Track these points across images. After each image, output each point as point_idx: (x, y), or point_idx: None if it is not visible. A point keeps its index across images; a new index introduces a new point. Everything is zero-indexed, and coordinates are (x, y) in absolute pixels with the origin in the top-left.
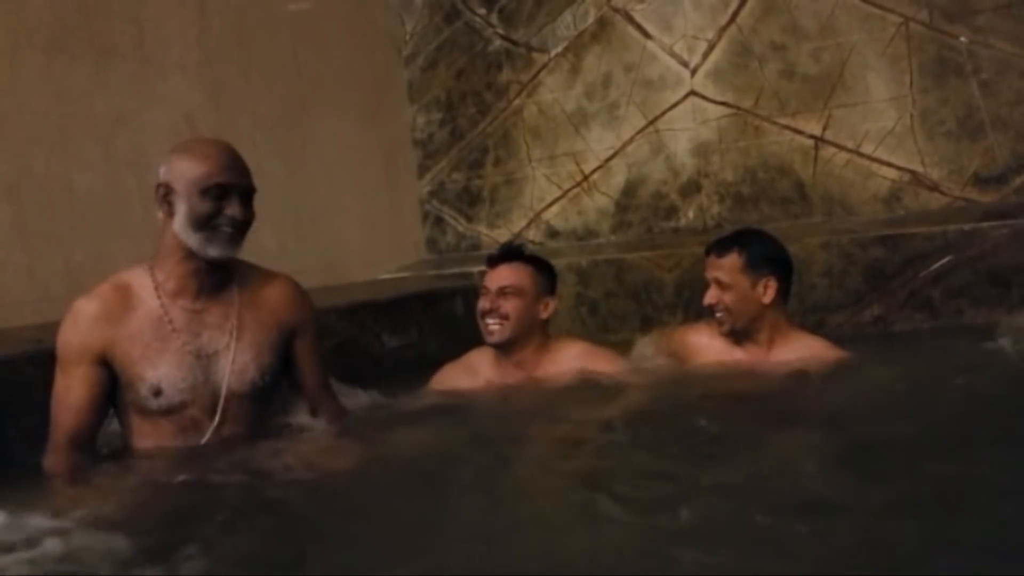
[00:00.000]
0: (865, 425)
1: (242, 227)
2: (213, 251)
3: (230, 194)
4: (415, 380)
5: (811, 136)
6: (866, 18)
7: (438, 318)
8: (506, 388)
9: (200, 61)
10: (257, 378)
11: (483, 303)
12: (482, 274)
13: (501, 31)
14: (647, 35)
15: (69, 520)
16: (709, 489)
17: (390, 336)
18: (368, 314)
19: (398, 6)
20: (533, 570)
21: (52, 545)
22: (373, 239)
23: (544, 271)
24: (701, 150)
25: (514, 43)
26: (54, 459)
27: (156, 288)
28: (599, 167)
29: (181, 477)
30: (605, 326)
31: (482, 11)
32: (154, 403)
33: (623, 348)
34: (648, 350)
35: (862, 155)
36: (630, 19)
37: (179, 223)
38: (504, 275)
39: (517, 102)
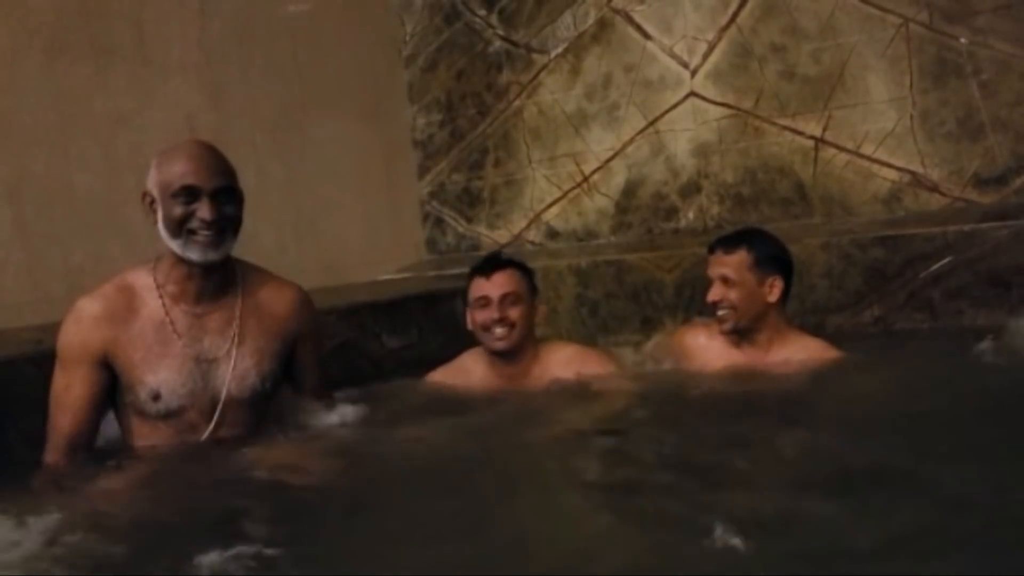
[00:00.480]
0: (865, 426)
1: (220, 228)
2: (193, 255)
3: (200, 196)
4: (415, 381)
5: (811, 137)
6: (866, 19)
7: (438, 319)
8: (501, 391)
9: (200, 62)
10: (258, 384)
11: (488, 314)
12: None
13: (501, 32)
14: (647, 36)
15: (69, 520)
16: (710, 490)
17: (390, 337)
18: (368, 315)
19: (398, 7)
20: (533, 571)
21: (52, 545)
22: (373, 240)
23: (530, 276)
24: (701, 151)
25: (514, 44)
26: (53, 458)
27: (159, 290)
28: (599, 168)
29: (179, 477)
30: (605, 327)
31: (482, 12)
32: (152, 407)
33: (623, 349)
34: (659, 353)
35: (862, 156)
36: (630, 20)
37: (160, 229)
38: (503, 282)
39: (517, 103)
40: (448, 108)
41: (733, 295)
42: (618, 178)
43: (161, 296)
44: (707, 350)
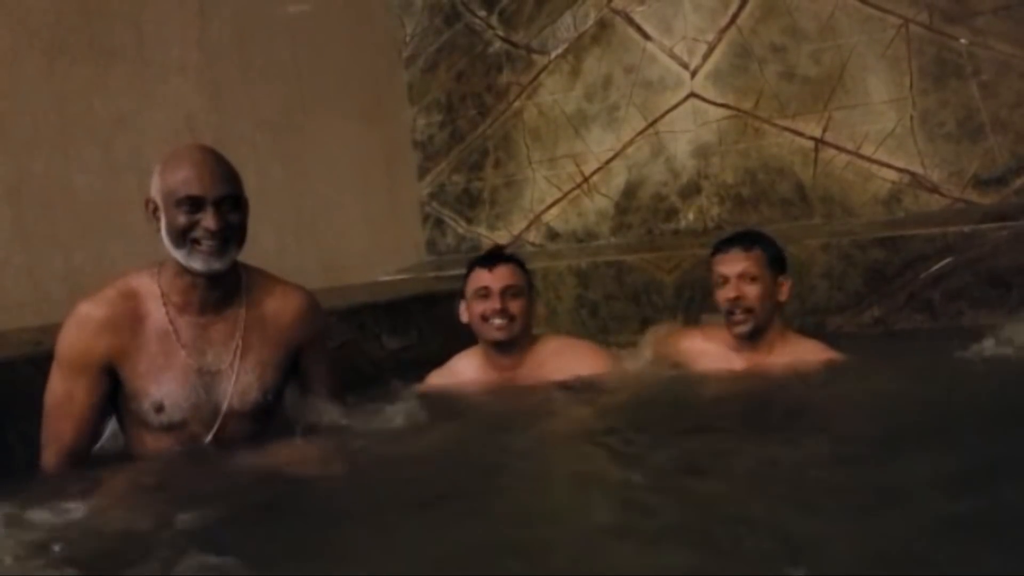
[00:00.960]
0: (866, 427)
1: (223, 238)
2: (197, 265)
3: (204, 205)
4: (415, 382)
5: (811, 138)
6: (866, 20)
7: (438, 320)
8: (496, 389)
9: (200, 63)
10: (260, 398)
11: (489, 304)
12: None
13: (501, 33)
14: (647, 37)
15: (69, 522)
16: (712, 491)
17: (390, 337)
18: (368, 316)
19: (398, 8)
20: (535, 571)
21: (52, 546)
22: (373, 241)
23: (529, 274)
24: (701, 152)
25: (514, 45)
26: (54, 466)
27: (163, 298)
28: (599, 169)
29: (180, 481)
30: (605, 328)
31: (482, 13)
32: (155, 419)
33: (623, 350)
34: (656, 359)
35: (862, 157)
36: (630, 21)
37: (164, 239)
38: (506, 275)
39: (517, 104)
40: (448, 109)
41: (753, 293)
42: (618, 179)
43: (165, 304)
44: (705, 355)
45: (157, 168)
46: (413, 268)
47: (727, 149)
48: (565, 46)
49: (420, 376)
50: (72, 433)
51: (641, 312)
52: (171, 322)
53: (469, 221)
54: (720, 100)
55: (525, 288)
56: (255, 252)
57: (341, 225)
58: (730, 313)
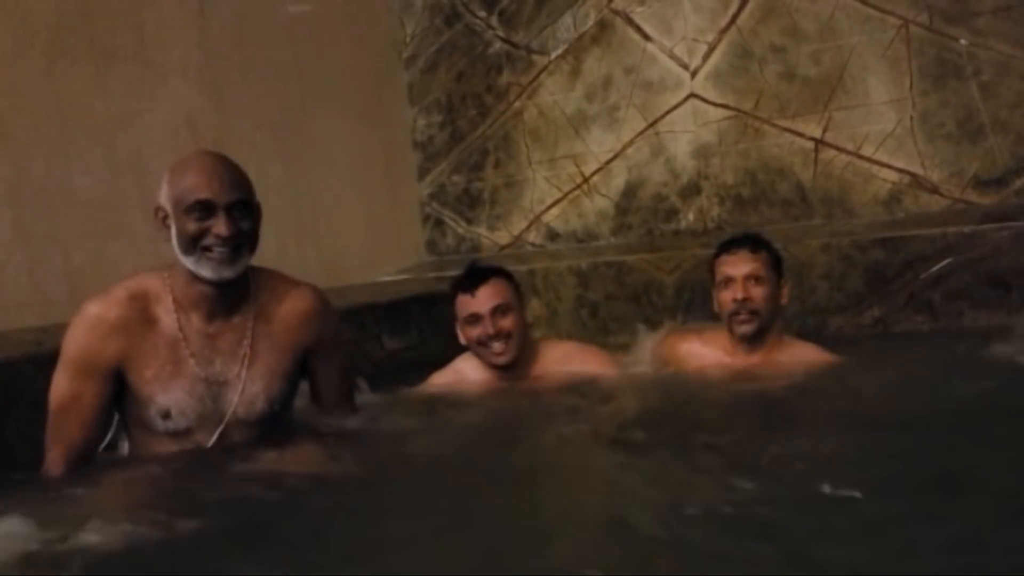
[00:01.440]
0: (868, 429)
1: (235, 245)
2: (207, 273)
3: (215, 211)
4: (415, 382)
5: (811, 138)
6: (866, 20)
7: (438, 320)
8: (501, 395)
9: (200, 64)
10: (266, 408)
11: (482, 329)
12: None
13: (501, 33)
14: (647, 37)
15: (71, 522)
16: (717, 492)
17: (390, 338)
18: (368, 316)
19: (398, 8)
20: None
21: (53, 547)
22: (373, 241)
23: (512, 279)
24: (701, 152)
25: (514, 45)
26: (60, 468)
27: (173, 304)
28: (599, 169)
29: (182, 484)
30: (605, 328)
31: (482, 13)
32: (161, 425)
33: (622, 351)
34: (645, 356)
35: (862, 157)
36: (630, 21)
37: (174, 246)
38: (490, 295)
39: (517, 104)
40: (448, 109)
41: (760, 294)
42: (618, 179)
43: (176, 311)
44: (702, 356)
45: (165, 175)
46: (413, 268)
47: (727, 150)
48: (565, 47)
49: (422, 377)
50: (79, 434)
51: (641, 312)
52: (181, 329)
53: (469, 221)
54: (720, 101)
55: (514, 300)
56: (255, 253)
57: (341, 225)
58: (735, 314)
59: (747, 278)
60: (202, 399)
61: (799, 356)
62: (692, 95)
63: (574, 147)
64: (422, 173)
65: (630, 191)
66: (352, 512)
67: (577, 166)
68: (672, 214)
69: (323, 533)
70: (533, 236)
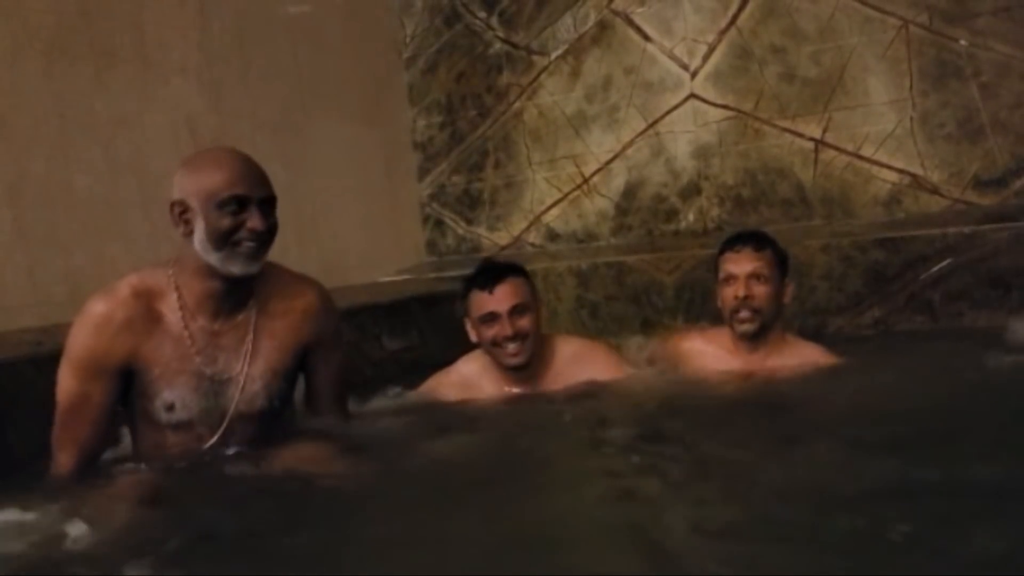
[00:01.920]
0: (869, 430)
1: (265, 240)
2: (235, 268)
3: (249, 205)
4: (415, 383)
5: (811, 139)
6: (866, 21)
7: (438, 321)
8: (509, 395)
9: (200, 64)
10: (266, 404)
11: (499, 329)
12: None
13: (501, 34)
14: (647, 38)
15: (72, 522)
16: (725, 497)
17: (390, 338)
18: (368, 317)
19: (398, 9)
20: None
21: (54, 547)
22: (373, 241)
23: (529, 277)
24: (701, 153)
25: (514, 46)
26: (69, 469)
27: (179, 301)
28: (599, 170)
29: (186, 483)
30: (605, 329)
31: (482, 14)
32: (164, 417)
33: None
34: (641, 356)
35: (862, 158)
36: (630, 22)
37: (198, 241)
38: (510, 293)
39: (517, 105)
40: (448, 110)
41: (762, 293)
42: (618, 180)
43: (180, 308)
44: (704, 356)
45: (186, 170)
46: (413, 269)
47: (727, 150)
48: (565, 47)
49: (422, 378)
50: (89, 434)
51: (641, 313)
52: (186, 327)
53: (469, 222)
54: (720, 101)
55: (531, 300)
56: None
57: (341, 226)
58: (735, 312)
59: (750, 276)
60: (206, 395)
61: (802, 356)
62: (692, 95)
63: (574, 147)
64: (422, 173)
65: (630, 191)
66: (352, 513)
67: (577, 166)
68: (672, 214)
69: (322, 534)
70: (533, 236)
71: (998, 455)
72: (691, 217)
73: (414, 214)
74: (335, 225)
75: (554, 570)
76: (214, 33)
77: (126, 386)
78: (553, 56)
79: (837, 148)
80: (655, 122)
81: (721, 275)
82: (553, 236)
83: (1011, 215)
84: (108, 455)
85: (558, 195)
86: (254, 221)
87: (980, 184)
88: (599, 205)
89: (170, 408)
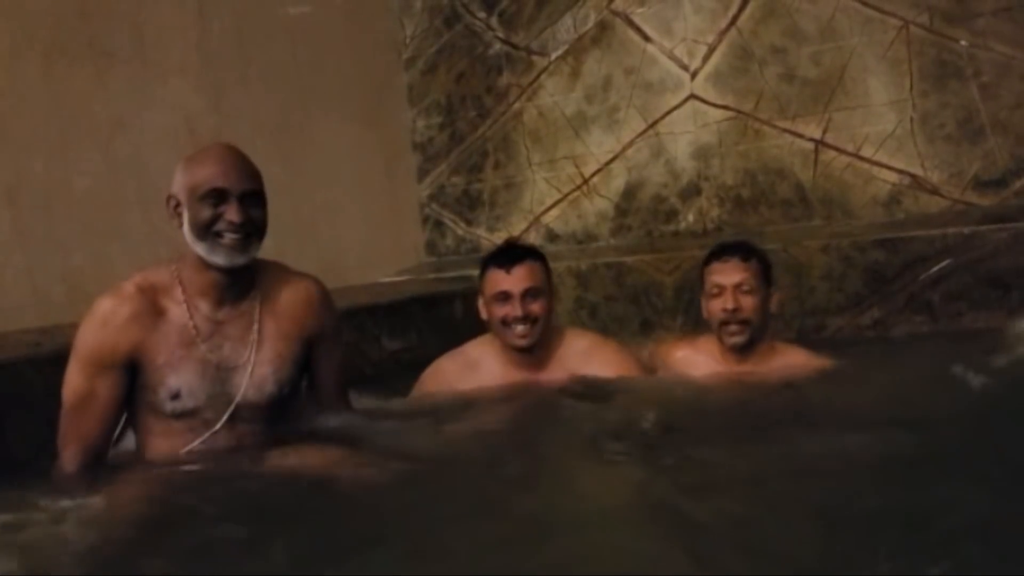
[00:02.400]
0: (860, 431)
1: (246, 232)
2: (219, 259)
3: (228, 198)
4: (415, 383)
5: (811, 139)
6: (866, 21)
7: (438, 321)
8: (516, 385)
9: (200, 65)
10: (275, 391)
11: (510, 310)
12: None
13: (501, 35)
14: (647, 38)
15: (71, 523)
16: (731, 499)
17: (390, 339)
18: (368, 317)
19: (398, 9)
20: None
21: (53, 547)
22: (373, 242)
23: (547, 263)
24: (701, 153)
25: (514, 46)
26: (76, 465)
27: (184, 293)
28: (599, 170)
29: (190, 479)
30: (605, 329)
31: (482, 14)
32: (169, 406)
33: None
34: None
35: (862, 158)
36: (630, 22)
37: (186, 233)
38: (525, 275)
39: (517, 105)
40: (448, 110)
41: (750, 304)
42: (618, 180)
43: (184, 299)
44: (695, 364)
45: (179, 166)
46: (413, 270)
47: (727, 151)
48: (565, 48)
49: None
50: (95, 431)
51: (641, 313)
52: (191, 317)
53: (469, 223)
54: (720, 102)
55: (546, 285)
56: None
57: (341, 227)
58: (724, 324)
59: (737, 287)
60: (212, 382)
61: (791, 362)
62: (692, 96)
63: (574, 148)
64: (422, 174)
65: (630, 192)
66: (355, 508)
67: (577, 167)
68: (672, 215)
69: (328, 529)
70: (533, 237)
71: (998, 455)
72: (691, 218)
73: (414, 215)
74: (335, 226)
75: (552, 566)
76: (213, 33)
77: (131, 383)
78: (553, 57)
79: (837, 148)
80: (655, 123)
81: (707, 286)
82: (553, 237)
83: (1011, 215)
84: (112, 454)
85: (558, 196)
86: (231, 213)
87: (980, 184)
88: (599, 206)
89: (175, 396)
